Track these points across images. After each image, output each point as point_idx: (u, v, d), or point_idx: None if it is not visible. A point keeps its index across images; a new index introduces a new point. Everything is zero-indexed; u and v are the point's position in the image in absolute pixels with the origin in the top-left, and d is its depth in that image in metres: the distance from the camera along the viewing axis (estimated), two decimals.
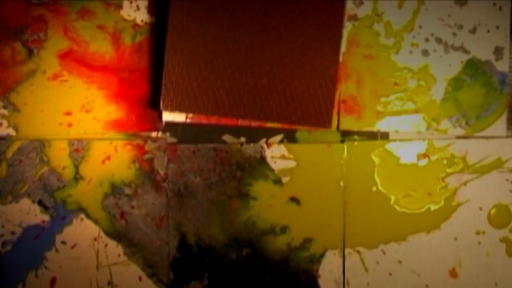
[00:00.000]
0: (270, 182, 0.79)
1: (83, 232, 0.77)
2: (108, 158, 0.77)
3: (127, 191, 0.77)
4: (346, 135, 0.80)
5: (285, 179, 0.79)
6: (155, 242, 0.78)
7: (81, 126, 0.77)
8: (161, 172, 0.78)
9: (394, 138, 0.80)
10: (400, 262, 0.80)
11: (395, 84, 0.79)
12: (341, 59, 0.79)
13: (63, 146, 0.76)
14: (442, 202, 0.80)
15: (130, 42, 0.77)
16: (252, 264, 0.79)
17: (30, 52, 0.76)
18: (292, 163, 0.79)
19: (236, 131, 0.79)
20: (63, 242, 0.77)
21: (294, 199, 0.79)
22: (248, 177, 0.78)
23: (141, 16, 0.77)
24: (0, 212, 0.76)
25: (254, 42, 0.76)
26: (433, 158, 0.80)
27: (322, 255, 0.79)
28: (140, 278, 0.78)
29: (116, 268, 0.77)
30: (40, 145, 0.76)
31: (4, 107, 0.76)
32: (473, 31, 0.80)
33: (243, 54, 0.76)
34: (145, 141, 0.78)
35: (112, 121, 0.77)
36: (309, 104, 0.76)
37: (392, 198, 0.80)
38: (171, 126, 0.78)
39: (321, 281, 0.79)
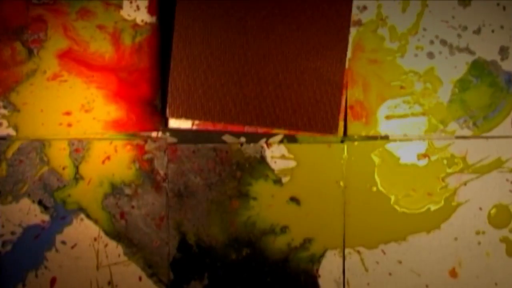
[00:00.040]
0: (270, 182, 0.79)
1: (83, 232, 0.77)
2: (108, 158, 0.77)
3: (127, 191, 0.77)
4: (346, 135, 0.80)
5: (285, 179, 0.79)
6: (155, 242, 0.78)
7: (81, 126, 0.77)
8: (161, 172, 0.78)
9: (394, 138, 0.80)
10: (400, 262, 0.80)
11: (402, 87, 0.79)
12: (347, 65, 0.79)
13: (63, 146, 0.76)
14: (442, 202, 0.80)
15: (130, 42, 0.77)
16: (252, 264, 0.79)
17: (30, 52, 0.76)
18: (292, 163, 0.79)
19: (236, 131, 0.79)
20: (63, 242, 0.77)
21: (294, 199, 0.79)
22: (248, 177, 0.78)
23: (141, 16, 0.77)
24: (0, 212, 0.76)
25: (260, 48, 0.76)
26: (433, 158, 0.80)
27: (322, 255, 0.79)
28: (140, 278, 0.78)
29: (116, 268, 0.77)
30: (40, 145, 0.76)
31: (4, 107, 0.76)
32: (477, 31, 0.80)
33: (249, 60, 0.75)
34: (145, 141, 0.78)
35: (112, 121, 0.77)
36: (315, 110, 0.76)
37: (392, 198, 0.80)
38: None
39: (321, 281, 0.79)
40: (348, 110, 0.79)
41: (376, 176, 0.80)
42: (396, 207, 0.80)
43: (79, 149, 0.76)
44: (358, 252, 0.80)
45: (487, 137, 0.80)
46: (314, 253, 0.79)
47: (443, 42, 0.80)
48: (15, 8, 0.76)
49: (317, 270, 0.79)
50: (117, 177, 0.77)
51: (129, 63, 0.77)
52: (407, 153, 0.80)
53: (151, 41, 0.77)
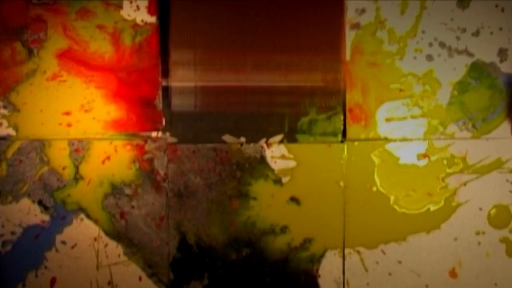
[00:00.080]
0: (270, 182, 0.79)
1: (83, 232, 0.77)
2: (108, 158, 0.77)
3: (127, 191, 0.77)
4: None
5: (285, 179, 0.79)
6: (155, 242, 0.78)
7: (81, 126, 0.77)
8: (161, 172, 0.78)
9: (394, 138, 0.80)
10: (400, 262, 0.80)
11: (401, 90, 0.79)
12: (345, 68, 0.79)
13: (63, 146, 0.76)
14: (442, 202, 0.80)
15: (130, 42, 0.77)
16: (252, 264, 0.79)
17: (30, 52, 0.76)
18: (292, 163, 0.79)
19: (236, 131, 0.79)
20: (63, 242, 0.77)
21: (294, 199, 0.79)
22: (248, 177, 0.78)
23: (141, 16, 0.77)
24: (0, 212, 0.76)
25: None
26: (433, 158, 0.80)
27: (322, 255, 0.79)
28: (140, 278, 0.78)
29: (116, 268, 0.77)
30: (40, 145, 0.76)
31: (4, 107, 0.76)
32: (476, 33, 0.80)
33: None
34: (145, 141, 0.77)
35: (112, 121, 0.77)
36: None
37: (392, 198, 0.80)
38: (174, 123, 0.78)
39: (321, 281, 0.79)
40: (347, 113, 0.79)
41: (376, 176, 0.80)
42: (396, 207, 0.80)
43: (79, 149, 0.76)
44: (358, 252, 0.80)
45: (487, 138, 0.80)
46: (314, 253, 0.79)
47: (442, 45, 0.80)
48: (15, 8, 0.76)
49: (317, 270, 0.79)
50: (117, 177, 0.77)
51: (129, 63, 0.77)
52: (407, 153, 0.80)
53: (151, 41, 0.77)
